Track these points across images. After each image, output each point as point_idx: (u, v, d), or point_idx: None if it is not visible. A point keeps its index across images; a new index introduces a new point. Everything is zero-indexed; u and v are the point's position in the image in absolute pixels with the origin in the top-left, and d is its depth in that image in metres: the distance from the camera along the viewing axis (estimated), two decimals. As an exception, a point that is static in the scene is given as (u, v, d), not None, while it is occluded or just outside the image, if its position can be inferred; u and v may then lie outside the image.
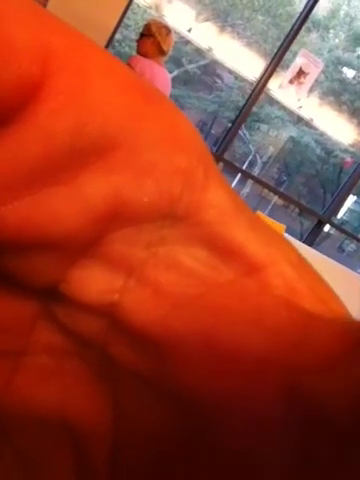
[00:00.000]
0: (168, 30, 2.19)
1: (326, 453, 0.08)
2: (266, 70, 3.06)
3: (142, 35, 2.18)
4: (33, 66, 0.09)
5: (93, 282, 0.10)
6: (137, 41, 2.24)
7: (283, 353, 0.09)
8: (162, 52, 2.17)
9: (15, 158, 0.09)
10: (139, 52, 2.19)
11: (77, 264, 0.10)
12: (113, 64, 0.10)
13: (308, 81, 3.50)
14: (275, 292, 0.10)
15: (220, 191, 0.11)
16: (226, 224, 0.10)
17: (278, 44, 3.10)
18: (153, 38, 2.15)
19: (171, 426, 0.10)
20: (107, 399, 0.11)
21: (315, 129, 6.72)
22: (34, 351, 0.11)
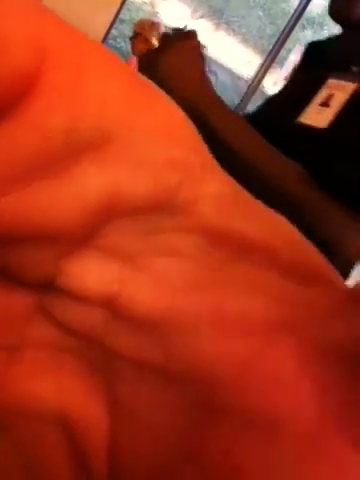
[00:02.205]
0: (151, 22, 2.20)
1: (343, 394, 0.08)
2: (261, 67, 3.06)
3: (132, 37, 2.20)
4: (28, 61, 0.09)
5: (91, 273, 0.10)
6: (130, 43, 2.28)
7: (290, 314, 0.09)
8: (151, 45, 2.19)
9: (11, 152, 0.09)
10: (133, 53, 2.21)
11: (73, 256, 0.10)
12: (108, 59, 0.10)
13: (303, 78, 3.48)
14: (272, 269, 0.10)
15: (217, 182, 0.11)
16: (223, 214, 0.10)
17: (273, 41, 3.10)
18: (140, 36, 2.17)
19: (176, 410, 0.10)
20: (103, 393, 0.11)
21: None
22: (30, 345, 0.11)
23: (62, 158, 0.09)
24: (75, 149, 0.09)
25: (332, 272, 0.11)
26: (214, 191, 0.10)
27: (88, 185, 0.10)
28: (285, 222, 0.11)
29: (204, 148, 0.11)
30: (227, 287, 0.10)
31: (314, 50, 0.88)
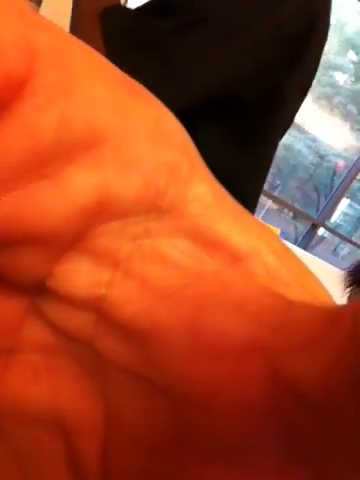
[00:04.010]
0: None
1: (306, 431, 0.08)
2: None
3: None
4: (18, 63, 0.09)
5: (80, 276, 0.10)
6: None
7: (265, 336, 0.09)
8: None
9: (3, 154, 0.09)
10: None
11: (63, 258, 0.10)
12: (98, 61, 0.10)
13: (300, 85, 3.50)
14: (257, 280, 0.10)
15: (204, 184, 0.11)
16: (210, 216, 0.11)
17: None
18: None
19: (161, 419, 0.10)
20: (97, 395, 0.11)
21: (307, 134, 6.76)
22: (24, 349, 0.11)
23: (53, 159, 0.09)
24: (66, 149, 0.09)
25: (316, 281, 0.11)
26: (201, 193, 0.11)
27: (79, 186, 0.10)
28: (268, 228, 0.11)
29: (192, 149, 0.11)
30: (208, 301, 0.10)
31: None
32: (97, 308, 0.10)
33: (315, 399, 0.08)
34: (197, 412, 0.09)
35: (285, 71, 0.83)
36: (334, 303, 0.11)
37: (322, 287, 0.11)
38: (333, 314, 0.08)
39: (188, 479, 0.09)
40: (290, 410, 0.08)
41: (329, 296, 0.11)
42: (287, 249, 0.11)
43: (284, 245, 0.11)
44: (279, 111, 0.87)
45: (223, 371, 0.09)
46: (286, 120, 0.91)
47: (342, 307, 0.08)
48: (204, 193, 0.11)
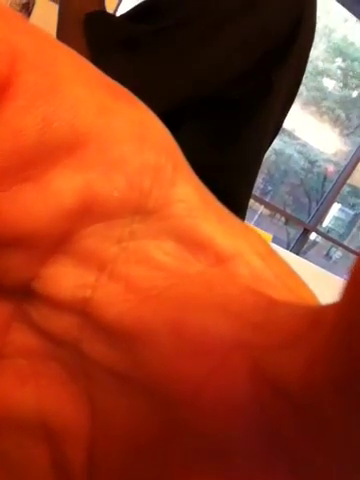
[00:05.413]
0: None
1: (288, 429, 0.08)
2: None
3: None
4: (0, 65, 0.09)
5: (65, 278, 0.10)
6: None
7: (248, 335, 0.09)
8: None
9: None
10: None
11: (49, 261, 0.10)
12: (82, 64, 0.10)
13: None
14: (241, 281, 0.10)
15: (189, 186, 0.11)
16: (194, 218, 0.11)
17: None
18: None
19: (146, 420, 0.10)
20: (83, 399, 0.11)
21: (298, 139, 6.81)
22: (10, 354, 0.11)
23: (37, 160, 0.09)
24: (49, 151, 0.09)
25: (300, 282, 0.11)
26: (185, 195, 0.11)
27: (62, 187, 0.10)
28: (252, 229, 0.12)
29: (176, 150, 0.11)
30: (192, 301, 0.10)
31: None
32: (82, 310, 0.10)
33: (297, 396, 0.08)
34: (182, 411, 0.09)
35: (273, 68, 0.84)
36: (318, 303, 0.11)
37: (307, 288, 0.11)
38: (316, 312, 0.08)
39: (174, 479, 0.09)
40: (273, 408, 0.08)
41: (314, 297, 0.11)
42: (271, 250, 0.11)
43: (268, 246, 0.11)
44: (267, 108, 0.87)
45: (207, 369, 0.09)
46: (275, 117, 0.92)
47: (325, 306, 0.08)
48: (188, 194, 0.11)
